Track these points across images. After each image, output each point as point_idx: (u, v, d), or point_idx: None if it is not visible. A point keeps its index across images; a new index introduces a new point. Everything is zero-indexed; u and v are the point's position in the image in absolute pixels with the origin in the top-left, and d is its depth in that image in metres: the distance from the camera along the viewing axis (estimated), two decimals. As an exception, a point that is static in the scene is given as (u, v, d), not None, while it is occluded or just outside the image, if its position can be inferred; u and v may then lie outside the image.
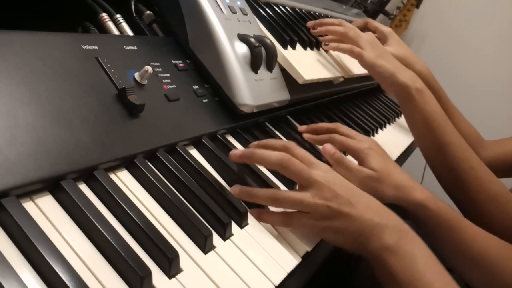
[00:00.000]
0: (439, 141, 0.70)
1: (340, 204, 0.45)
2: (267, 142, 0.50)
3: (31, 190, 0.34)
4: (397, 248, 0.44)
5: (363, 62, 0.73)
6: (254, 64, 0.59)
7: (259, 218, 0.47)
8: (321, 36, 0.81)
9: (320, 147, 0.63)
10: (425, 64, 0.95)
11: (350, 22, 1.14)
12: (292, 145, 0.49)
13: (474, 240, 0.58)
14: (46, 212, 0.34)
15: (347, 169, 0.58)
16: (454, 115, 0.96)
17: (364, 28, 1.04)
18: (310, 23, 0.82)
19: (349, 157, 0.64)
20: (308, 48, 0.77)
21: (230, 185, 0.48)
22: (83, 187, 0.38)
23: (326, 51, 0.82)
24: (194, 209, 0.43)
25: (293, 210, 0.46)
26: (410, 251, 0.45)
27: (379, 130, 0.94)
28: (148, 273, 0.33)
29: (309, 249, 0.47)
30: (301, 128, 0.68)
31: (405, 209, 0.59)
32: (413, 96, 0.71)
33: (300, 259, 0.45)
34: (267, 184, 0.51)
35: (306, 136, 0.66)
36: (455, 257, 0.60)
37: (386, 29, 0.97)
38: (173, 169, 0.45)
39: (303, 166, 0.46)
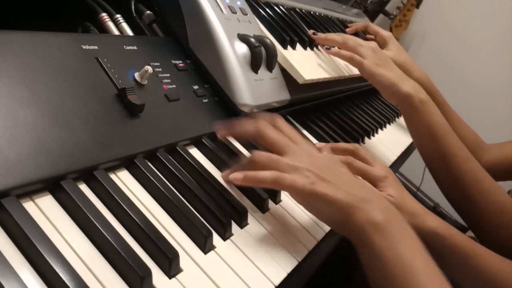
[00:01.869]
0: (443, 153, 0.69)
1: (325, 175, 0.44)
2: (240, 129, 0.49)
3: (31, 190, 0.34)
4: (384, 225, 0.43)
5: (363, 71, 0.72)
6: (254, 64, 0.59)
7: (248, 180, 0.44)
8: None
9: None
10: (422, 70, 0.95)
11: (350, 22, 1.14)
12: (266, 128, 0.47)
13: (490, 266, 0.57)
14: (46, 212, 0.34)
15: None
16: (454, 120, 0.95)
17: (364, 32, 1.04)
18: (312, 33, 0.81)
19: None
20: (308, 48, 0.77)
21: (230, 185, 0.48)
22: (83, 187, 0.38)
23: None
24: (194, 209, 0.43)
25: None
26: (397, 231, 0.43)
27: (379, 130, 0.94)
28: (148, 273, 0.33)
29: (309, 249, 0.47)
30: (318, 146, 0.63)
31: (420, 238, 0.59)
32: (417, 107, 0.70)
33: (300, 259, 0.45)
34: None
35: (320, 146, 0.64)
36: (471, 285, 0.59)
37: (386, 34, 0.97)
38: (173, 169, 0.45)
39: (271, 159, 0.45)
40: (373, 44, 0.77)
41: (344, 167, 0.50)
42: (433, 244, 0.58)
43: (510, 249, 0.62)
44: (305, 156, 0.46)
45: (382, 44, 0.96)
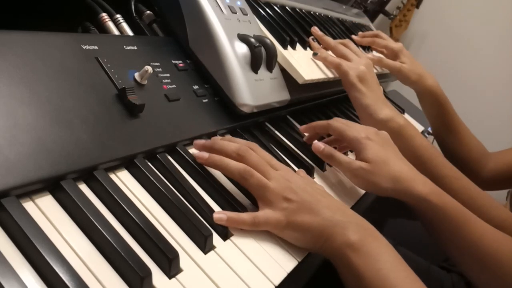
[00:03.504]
0: (432, 175, 0.66)
1: (299, 199, 0.45)
2: (221, 146, 0.48)
3: (31, 190, 0.34)
4: (361, 245, 0.43)
5: (346, 80, 0.70)
6: (254, 64, 0.59)
7: (230, 224, 0.43)
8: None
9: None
10: (434, 77, 0.95)
11: (350, 22, 1.14)
12: (245, 152, 0.47)
13: (482, 237, 0.56)
14: (46, 212, 0.34)
15: (338, 163, 0.58)
16: (461, 130, 0.95)
17: (372, 47, 1.03)
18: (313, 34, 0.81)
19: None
20: (308, 48, 0.77)
21: (230, 185, 0.49)
22: (83, 187, 0.38)
23: (326, 49, 0.82)
24: (194, 209, 0.43)
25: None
26: (374, 249, 0.44)
27: (379, 130, 0.93)
28: (148, 273, 0.33)
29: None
30: (301, 128, 0.67)
31: (405, 204, 0.58)
32: (397, 132, 0.68)
33: (300, 259, 0.45)
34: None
35: (305, 139, 0.65)
36: (462, 256, 0.58)
37: (396, 46, 0.95)
38: (173, 169, 0.45)
39: (262, 182, 0.45)
40: (368, 61, 0.75)
41: (324, 190, 0.50)
42: (422, 211, 0.57)
43: None
44: (283, 181, 0.46)
45: (393, 57, 0.95)
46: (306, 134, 0.67)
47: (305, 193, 0.46)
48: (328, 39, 0.78)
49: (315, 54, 0.74)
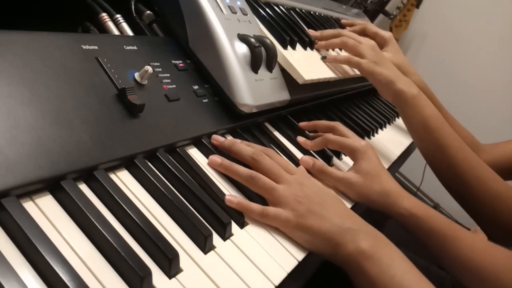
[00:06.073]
0: (438, 144, 0.71)
1: (310, 204, 0.46)
2: (239, 149, 0.50)
3: (31, 190, 0.34)
4: (373, 252, 0.44)
5: (362, 70, 0.74)
6: (254, 64, 0.59)
7: (238, 208, 0.45)
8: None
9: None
10: (417, 73, 0.96)
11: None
12: (260, 157, 0.49)
13: (473, 251, 0.57)
14: (46, 212, 0.34)
15: (331, 177, 0.59)
16: (449, 122, 0.96)
17: (363, 34, 1.03)
18: (313, 33, 0.82)
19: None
20: (308, 48, 0.77)
21: (230, 185, 0.49)
22: (83, 187, 0.38)
23: (326, 50, 0.83)
24: (194, 209, 0.43)
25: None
26: (386, 256, 0.44)
27: (379, 130, 0.93)
28: (148, 273, 0.33)
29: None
30: (302, 124, 0.69)
31: (393, 218, 0.59)
32: (410, 102, 0.72)
33: (300, 259, 0.45)
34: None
35: (301, 141, 0.66)
36: (455, 269, 0.59)
37: (386, 34, 0.97)
38: (173, 169, 0.45)
39: (269, 185, 0.47)
40: (372, 42, 0.79)
41: (337, 197, 0.51)
42: (408, 225, 0.58)
43: (508, 235, 0.62)
44: (296, 184, 0.48)
45: (382, 45, 0.96)
46: (306, 132, 0.68)
47: (317, 197, 0.47)
48: (332, 41, 0.79)
49: (324, 58, 0.78)
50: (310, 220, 0.45)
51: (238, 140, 0.53)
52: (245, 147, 0.50)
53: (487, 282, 0.56)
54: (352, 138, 0.63)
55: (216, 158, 0.49)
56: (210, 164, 0.49)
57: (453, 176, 0.72)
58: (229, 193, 0.47)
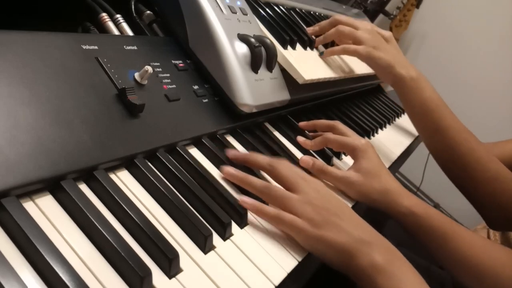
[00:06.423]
0: (437, 125, 0.71)
1: (327, 214, 0.45)
2: (255, 159, 0.50)
3: (31, 190, 0.34)
4: (386, 266, 0.43)
5: (360, 57, 0.74)
6: (254, 64, 0.59)
7: (253, 208, 0.46)
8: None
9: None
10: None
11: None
12: (277, 164, 0.49)
13: (472, 249, 0.57)
14: (46, 212, 0.34)
15: (331, 176, 0.59)
16: None
17: None
18: (311, 30, 0.81)
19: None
20: (308, 48, 0.77)
21: (229, 185, 0.49)
22: (83, 187, 0.38)
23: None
24: (194, 209, 0.43)
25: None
26: (398, 270, 0.44)
27: (379, 130, 0.94)
28: (148, 273, 0.33)
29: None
30: (301, 124, 0.69)
31: (394, 217, 0.59)
32: (409, 84, 0.72)
33: (300, 259, 0.45)
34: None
35: (300, 140, 0.66)
36: (454, 267, 0.58)
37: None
38: (173, 169, 0.45)
39: (283, 194, 0.46)
40: (369, 26, 0.78)
41: (350, 208, 0.51)
42: (408, 224, 0.58)
43: (506, 217, 0.62)
44: (313, 193, 0.47)
45: None
46: (306, 132, 0.68)
47: (335, 207, 0.47)
48: (329, 33, 0.78)
49: (321, 54, 0.77)
50: (327, 231, 0.44)
51: (254, 153, 0.53)
52: (262, 156, 0.51)
53: (486, 280, 0.56)
54: (352, 137, 0.63)
55: (231, 169, 0.49)
56: (224, 176, 0.49)
57: (452, 158, 0.71)
58: (229, 193, 0.47)
